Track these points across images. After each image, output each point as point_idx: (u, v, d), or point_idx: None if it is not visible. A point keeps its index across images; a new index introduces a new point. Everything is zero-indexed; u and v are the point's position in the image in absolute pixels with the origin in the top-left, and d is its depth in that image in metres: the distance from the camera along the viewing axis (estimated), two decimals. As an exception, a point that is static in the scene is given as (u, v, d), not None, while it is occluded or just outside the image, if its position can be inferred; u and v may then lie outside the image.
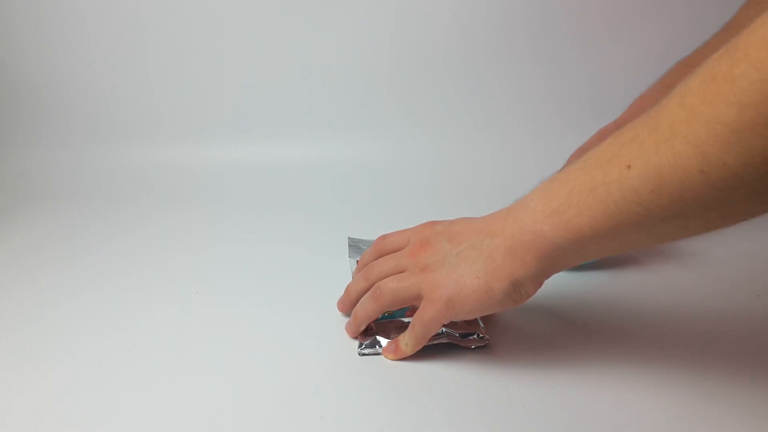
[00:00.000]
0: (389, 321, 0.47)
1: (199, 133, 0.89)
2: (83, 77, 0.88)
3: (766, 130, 0.26)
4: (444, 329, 0.44)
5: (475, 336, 0.45)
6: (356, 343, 0.46)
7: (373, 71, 0.87)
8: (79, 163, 0.87)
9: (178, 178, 0.84)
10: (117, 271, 0.59)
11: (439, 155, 0.86)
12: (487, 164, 0.85)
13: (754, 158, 0.27)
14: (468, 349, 0.45)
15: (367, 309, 0.45)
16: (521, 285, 0.39)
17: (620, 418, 0.38)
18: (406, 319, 0.47)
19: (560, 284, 0.54)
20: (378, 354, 0.45)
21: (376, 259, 0.48)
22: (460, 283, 0.40)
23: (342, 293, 0.50)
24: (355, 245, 0.60)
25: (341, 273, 0.56)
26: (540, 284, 0.40)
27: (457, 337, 0.44)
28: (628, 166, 0.32)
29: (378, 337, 0.45)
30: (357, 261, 0.54)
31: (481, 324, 0.46)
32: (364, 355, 0.45)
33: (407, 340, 0.43)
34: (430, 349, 0.44)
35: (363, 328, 0.46)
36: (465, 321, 0.45)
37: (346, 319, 0.48)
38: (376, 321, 0.46)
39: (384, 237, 0.49)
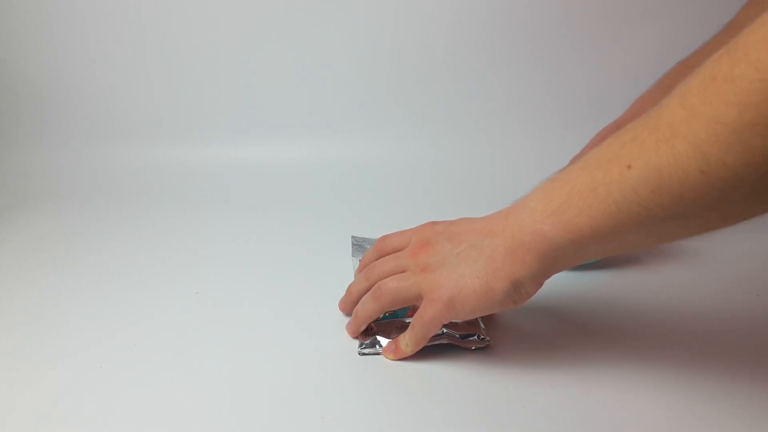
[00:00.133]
0: (390, 321, 0.47)
1: (199, 133, 0.89)
2: (83, 77, 0.88)
3: (766, 130, 0.26)
4: (444, 330, 0.44)
5: (476, 337, 0.45)
6: (356, 343, 0.46)
7: (373, 71, 0.87)
8: (79, 163, 0.87)
9: (178, 178, 0.84)
10: (117, 271, 0.59)
11: (439, 155, 0.86)
12: (487, 164, 0.84)
13: (754, 158, 0.27)
14: (468, 349, 0.45)
15: (368, 309, 0.45)
16: (521, 285, 0.39)
17: (620, 418, 0.38)
18: (406, 320, 0.47)
19: (560, 284, 0.54)
20: (378, 354, 0.45)
21: (377, 259, 0.48)
22: (460, 283, 0.40)
23: (342, 293, 0.50)
24: (358, 244, 0.60)
25: (341, 273, 0.56)
26: (540, 284, 0.40)
27: (457, 338, 0.44)
28: (629, 166, 0.32)
29: (378, 337, 0.45)
30: (360, 260, 0.54)
31: (482, 325, 0.46)
32: (364, 354, 0.45)
33: (407, 340, 0.44)
34: (430, 349, 0.44)
35: (363, 327, 0.46)
36: (465, 322, 0.45)
37: (346, 319, 0.48)
38: (376, 321, 0.46)
39: (385, 237, 0.49)
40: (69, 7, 0.84)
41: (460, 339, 0.44)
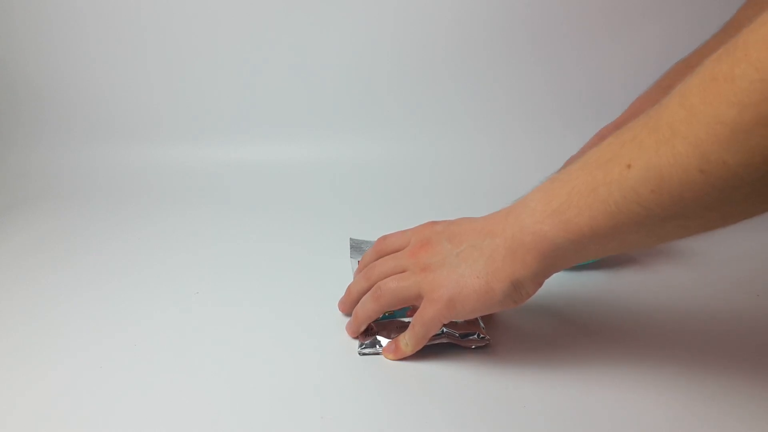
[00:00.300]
0: (390, 321, 0.47)
1: (199, 133, 0.89)
2: (83, 77, 0.88)
3: (766, 130, 0.26)
4: (444, 329, 0.44)
5: (476, 336, 0.45)
6: (356, 343, 0.46)
7: (373, 71, 0.87)
8: (79, 163, 0.87)
9: (178, 178, 0.84)
10: (117, 271, 0.59)
11: (439, 155, 0.86)
12: (487, 164, 0.84)
13: (754, 158, 0.27)
14: (468, 349, 0.45)
15: (368, 309, 0.45)
16: (522, 285, 0.39)
17: (620, 418, 0.38)
18: (406, 319, 0.47)
19: (560, 284, 0.54)
20: (378, 354, 0.45)
21: (377, 259, 0.48)
22: (460, 283, 0.40)
23: (342, 293, 0.50)
24: (356, 246, 0.60)
25: (341, 273, 0.56)
26: (540, 284, 0.40)
27: (457, 337, 0.44)
28: (629, 166, 0.32)
29: (378, 337, 0.45)
30: (358, 262, 0.54)
31: (482, 324, 0.46)
32: (364, 354, 0.45)
33: (407, 340, 0.44)
34: (430, 349, 0.44)
35: (363, 328, 0.46)
36: (465, 321, 0.45)
37: (346, 319, 0.48)
38: (376, 321, 0.46)
39: (384, 237, 0.49)
40: (69, 7, 0.84)
41: (460, 338, 0.44)
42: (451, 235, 0.43)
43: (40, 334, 0.48)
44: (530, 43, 0.84)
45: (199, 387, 0.41)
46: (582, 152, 0.59)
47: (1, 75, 0.89)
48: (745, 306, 0.51)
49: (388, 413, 0.39)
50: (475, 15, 0.83)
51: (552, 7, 0.82)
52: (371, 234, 0.59)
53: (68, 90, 0.89)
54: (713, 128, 0.28)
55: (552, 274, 0.39)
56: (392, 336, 0.45)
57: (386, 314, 0.47)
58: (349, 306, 0.48)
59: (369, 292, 0.45)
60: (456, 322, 0.45)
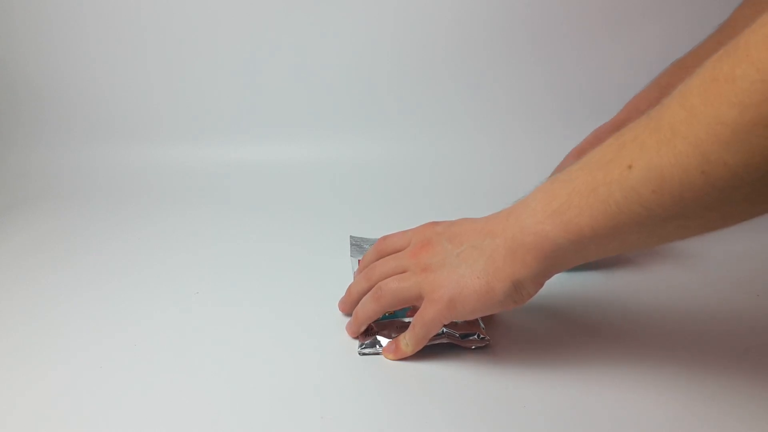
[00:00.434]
0: (390, 321, 0.47)
1: (199, 133, 0.89)
2: (83, 77, 0.88)
3: (767, 131, 0.26)
4: (444, 329, 0.44)
5: (476, 336, 0.45)
6: (356, 343, 0.46)
7: (373, 71, 0.87)
8: (79, 163, 0.87)
9: (178, 178, 0.84)
10: (117, 271, 0.59)
11: (439, 155, 0.86)
12: (487, 164, 0.84)
13: (755, 158, 0.27)
14: (468, 349, 0.45)
15: (368, 309, 0.45)
16: (522, 285, 0.39)
17: (620, 418, 0.38)
18: (406, 319, 0.47)
19: (560, 284, 0.54)
20: (378, 354, 0.45)
21: (378, 259, 0.48)
22: (461, 283, 0.40)
23: (342, 293, 0.50)
24: (357, 244, 0.60)
25: (341, 273, 0.56)
26: (541, 284, 0.40)
27: (457, 337, 0.44)
28: (629, 167, 0.32)
29: (378, 337, 0.45)
30: (359, 260, 0.54)
31: (482, 324, 0.46)
32: (364, 354, 0.45)
33: (408, 340, 0.44)
34: (430, 349, 0.44)
35: (364, 328, 0.46)
36: (466, 321, 0.45)
37: (346, 319, 0.48)
38: (376, 321, 0.46)
39: (385, 238, 0.49)
40: (69, 7, 0.84)
41: (460, 338, 0.44)
42: (452, 235, 0.43)
43: (40, 334, 0.48)
44: (530, 43, 0.84)
45: (199, 387, 0.41)
46: (578, 150, 0.59)
47: (1, 75, 0.89)
48: (745, 306, 0.51)
49: (388, 413, 0.39)
50: (475, 15, 0.83)
51: (552, 7, 0.82)
52: (371, 234, 0.59)
53: (68, 90, 0.89)
54: (714, 129, 0.28)
55: (553, 274, 0.39)
56: (392, 336, 0.45)
57: (387, 314, 0.47)
58: (349, 306, 0.48)
59: (369, 293, 0.45)
60: (456, 323, 0.45)
